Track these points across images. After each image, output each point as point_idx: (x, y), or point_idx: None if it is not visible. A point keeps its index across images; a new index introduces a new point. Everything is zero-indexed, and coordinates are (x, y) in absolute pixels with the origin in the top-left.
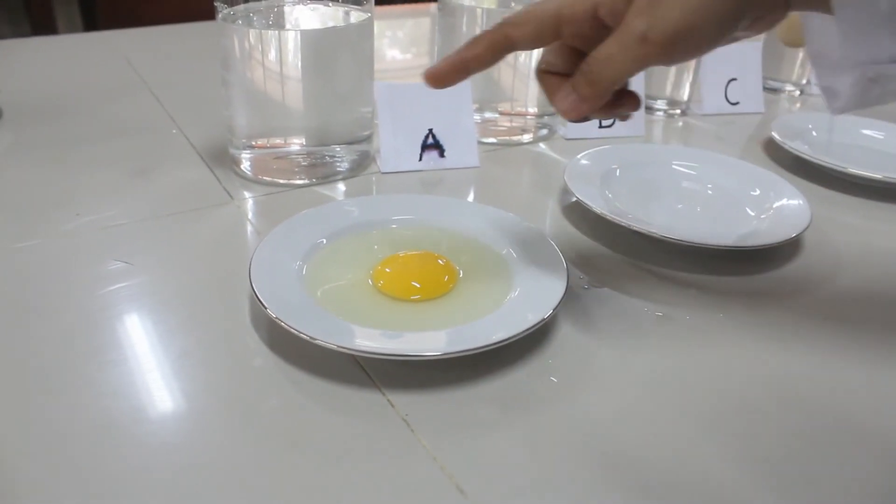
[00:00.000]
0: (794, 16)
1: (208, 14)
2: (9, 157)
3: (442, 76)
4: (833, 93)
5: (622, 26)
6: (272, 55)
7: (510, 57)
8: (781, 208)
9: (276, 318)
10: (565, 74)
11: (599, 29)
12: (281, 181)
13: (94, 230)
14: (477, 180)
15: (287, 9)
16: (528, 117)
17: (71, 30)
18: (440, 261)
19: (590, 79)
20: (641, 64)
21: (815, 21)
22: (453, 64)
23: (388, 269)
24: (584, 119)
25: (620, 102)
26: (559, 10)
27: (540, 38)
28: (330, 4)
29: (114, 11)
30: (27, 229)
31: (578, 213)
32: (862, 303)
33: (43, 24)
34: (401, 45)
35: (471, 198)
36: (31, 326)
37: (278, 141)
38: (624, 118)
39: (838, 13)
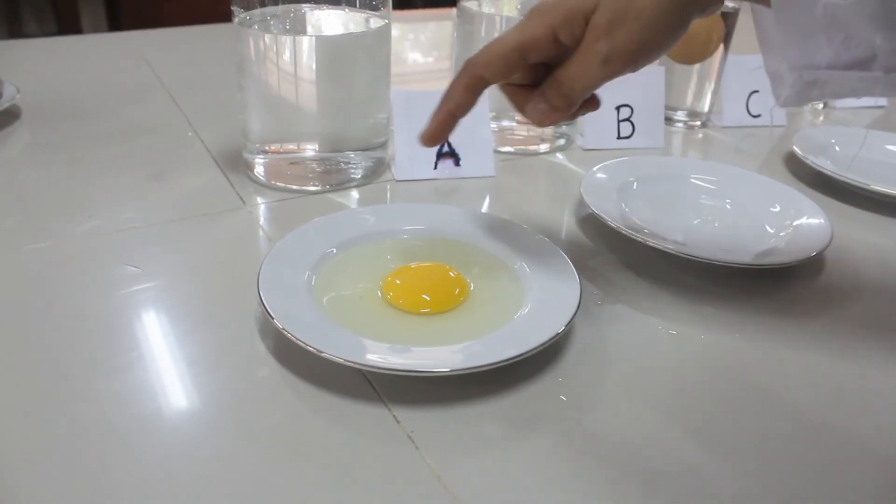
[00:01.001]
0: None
1: (230, 16)
2: (25, 157)
3: (436, 134)
4: (780, 79)
5: (583, 49)
6: (287, 60)
7: None
8: (801, 226)
9: (283, 329)
10: (528, 85)
11: (560, 48)
12: (294, 187)
13: (106, 233)
14: (492, 190)
15: (303, 14)
16: (546, 126)
17: (96, 28)
18: (451, 273)
19: (561, 92)
20: (606, 80)
21: (763, 7)
22: (442, 120)
23: (398, 281)
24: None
25: (583, 106)
26: (520, 42)
27: (509, 71)
28: (347, 10)
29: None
30: (39, 231)
31: (594, 227)
32: (884, 325)
33: (69, 22)
34: (422, 49)
35: (485, 207)
36: (39, 330)
37: (292, 146)
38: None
39: (777, 15)
